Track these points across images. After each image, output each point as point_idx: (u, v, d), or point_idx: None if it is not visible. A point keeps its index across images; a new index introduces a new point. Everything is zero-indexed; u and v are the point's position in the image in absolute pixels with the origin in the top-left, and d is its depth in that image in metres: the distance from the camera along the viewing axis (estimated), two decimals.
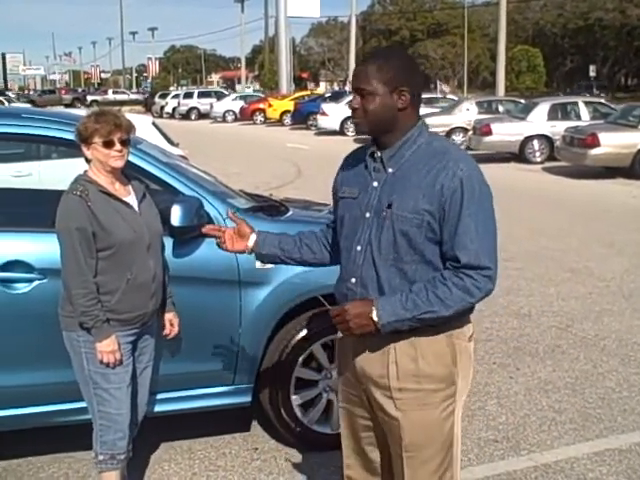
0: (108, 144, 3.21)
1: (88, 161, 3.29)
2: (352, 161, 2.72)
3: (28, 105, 37.47)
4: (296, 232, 2.98)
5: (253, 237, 2.87)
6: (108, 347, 3.23)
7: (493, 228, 2.46)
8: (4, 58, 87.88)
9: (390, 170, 2.51)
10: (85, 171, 3.31)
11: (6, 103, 41.19)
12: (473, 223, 2.39)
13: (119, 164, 3.26)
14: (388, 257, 2.48)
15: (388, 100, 2.45)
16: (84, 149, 3.26)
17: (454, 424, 2.59)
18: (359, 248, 2.54)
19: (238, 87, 76.57)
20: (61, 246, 3.21)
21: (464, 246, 2.38)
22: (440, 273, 2.44)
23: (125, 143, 3.26)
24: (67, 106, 51.78)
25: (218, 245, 2.92)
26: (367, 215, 2.53)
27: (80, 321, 3.21)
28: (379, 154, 2.54)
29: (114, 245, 3.21)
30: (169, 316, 3.61)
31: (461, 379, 2.58)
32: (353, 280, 2.57)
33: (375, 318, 2.40)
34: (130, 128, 3.30)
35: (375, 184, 2.53)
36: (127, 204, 3.31)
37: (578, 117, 19.66)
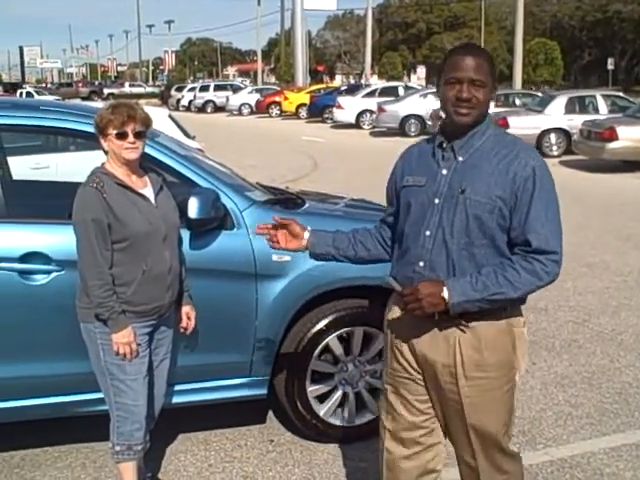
0: (121, 135, 3.21)
1: (106, 153, 3.31)
2: (415, 152, 2.82)
3: (53, 98, 37.75)
4: (350, 229, 3.02)
5: (306, 235, 2.92)
6: (124, 338, 3.24)
7: (559, 215, 2.61)
8: (22, 51, 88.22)
9: (460, 158, 2.63)
10: (102, 163, 3.33)
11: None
12: (543, 209, 2.55)
13: (132, 156, 3.26)
14: (460, 241, 2.59)
15: (491, 92, 2.60)
16: (101, 141, 3.27)
17: (513, 399, 2.78)
18: (428, 233, 2.64)
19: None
20: (77, 238, 3.22)
21: (535, 231, 2.53)
22: (508, 258, 2.57)
23: (140, 135, 3.25)
24: (84, 99, 52.03)
25: (271, 246, 2.95)
26: (436, 201, 2.63)
27: (96, 312, 3.23)
28: (449, 143, 2.64)
29: (129, 237, 3.22)
30: (186, 309, 3.61)
31: (520, 363, 2.74)
32: (421, 264, 2.66)
33: (446, 297, 2.50)
34: (146, 121, 3.29)
35: (444, 172, 2.64)
36: (143, 196, 3.32)
37: (596, 110, 19.50)
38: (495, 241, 2.58)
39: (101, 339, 3.29)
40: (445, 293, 2.50)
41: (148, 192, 3.36)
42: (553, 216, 2.57)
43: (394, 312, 2.81)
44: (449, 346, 2.64)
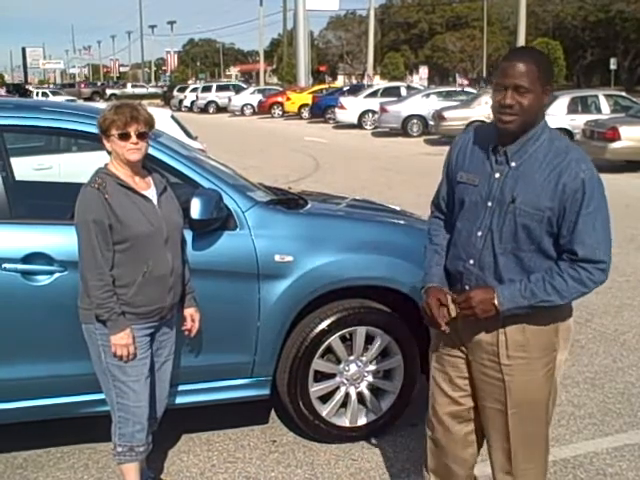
0: (124, 136, 3.20)
1: (110, 154, 3.31)
2: (470, 143, 2.83)
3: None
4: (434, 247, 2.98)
5: (443, 286, 2.87)
6: (122, 340, 3.23)
7: (608, 223, 2.66)
8: (24, 52, 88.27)
9: (513, 164, 2.66)
10: (106, 164, 3.33)
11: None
12: (591, 220, 2.59)
13: (135, 157, 3.25)
14: (507, 246, 2.69)
15: (540, 98, 2.61)
16: (104, 141, 3.27)
17: (552, 386, 2.85)
18: (480, 234, 2.72)
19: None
20: (79, 238, 3.22)
21: (582, 241, 2.59)
22: (556, 264, 2.65)
23: (142, 136, 3.25)
24: (86, 99, 52.14)
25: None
26: (489, 204, 2.70)
27: (96, 313, 3.23)
28: (503, 148, 2.67)
29: (130, 238, 3.22)
30: (190, 311, 3.60)
31: (561, 349, 2.82)
32: (472, 261, 2.77)
33: (497, 304, 2.64)
34: (149, 121, 3.28)
35: (497, 175, 2.69)
36: (146, 197, 3.31)
37: (598, 110, 19.47)
38: (541, 246, 2.66)
39: (102, 340, 3.29)
40: (496, 300, 2.63)
41: (151, 193, 3.36)
42: (602, 226, 2.61)
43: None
44: (495, 327, 2.73)
